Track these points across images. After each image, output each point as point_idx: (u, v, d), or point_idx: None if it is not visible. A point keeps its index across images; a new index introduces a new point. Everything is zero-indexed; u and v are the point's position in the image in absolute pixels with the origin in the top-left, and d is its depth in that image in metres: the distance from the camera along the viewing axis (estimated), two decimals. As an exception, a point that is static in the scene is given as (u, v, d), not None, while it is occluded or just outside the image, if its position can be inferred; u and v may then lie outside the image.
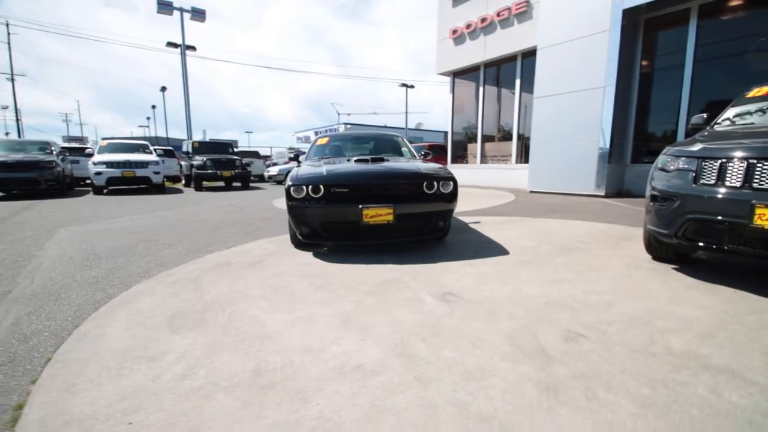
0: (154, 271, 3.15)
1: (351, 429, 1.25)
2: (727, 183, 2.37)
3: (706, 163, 2.50)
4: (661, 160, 2.90)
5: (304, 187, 3.36)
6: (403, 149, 4.95)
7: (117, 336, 1.95)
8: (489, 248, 3.73)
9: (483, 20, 10.02)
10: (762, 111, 3.24)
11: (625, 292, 2.52)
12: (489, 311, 2.23)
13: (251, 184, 13.56)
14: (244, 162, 12.49)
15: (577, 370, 1.60)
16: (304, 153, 6.18)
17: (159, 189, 11.05)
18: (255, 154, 18.79)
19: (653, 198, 2.82)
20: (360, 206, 3.23)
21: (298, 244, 3.86)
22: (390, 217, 3.28)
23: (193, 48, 22.23)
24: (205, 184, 12.22)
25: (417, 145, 10.98)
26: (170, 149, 15.65)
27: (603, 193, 7.38)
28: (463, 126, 11.85)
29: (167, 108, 38.55)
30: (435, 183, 3.48)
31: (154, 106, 41.30)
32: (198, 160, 11.73)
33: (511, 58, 9.85)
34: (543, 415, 1.33)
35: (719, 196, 2.37)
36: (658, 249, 3.06)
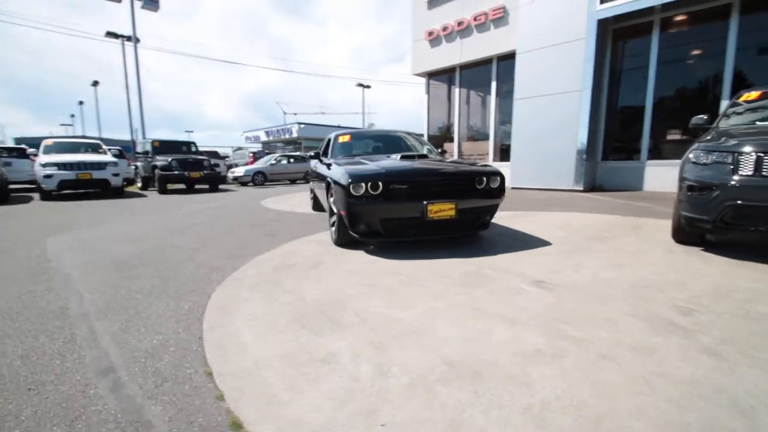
0: (214, 276, 2.93)
1: (597, 405, 1.33)
2: (763, 173, 2.77)
3: (743, 157, 2.89)
4: (693, 154, 3.28)
5: (363, 185, 3.31)
6: (425, 147, 5.04)
7: (260, 343, 1.83)
8: (528, 240, 3.94)
9: (459, 23, 10.41)
10: (754, 110, 3.82)
11: (683, 272, 2.82)
12: (591, 295, 2.39)
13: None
14: (212, 163, 11.73)
15: (717, 337, 1.81)
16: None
17: (117, 193, 10.01)
18: (215, 155, 17.70)
19: (690, 188, 3.19)
20: (425, 202, 3.27)
21: (344, 243, 3.78)
22: (452, 212, 3.36)
23: (137, 39, 20.45)
24: (168, 187, 11.30)
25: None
26: (119, 149, 14.22)
27: (581, 188, 8.06)
28: (438, 126, 12.22)
29: (92, 105, 34.77)
30: (485, 178, 3.62)
31: (81, 102, 37.16)
32: (161, 160, 10.81)
33: (487, 61, 10.35)
34: (732, 375, 1.50)
35: (758, 184, 2.76)
36: (688, 234, 3.46)
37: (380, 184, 3.32)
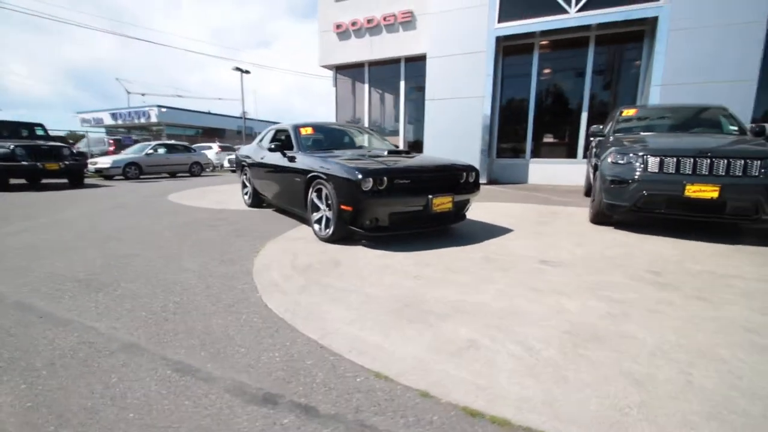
0: (236, 284, 2.61)
1: (688, 343, 1.82)
2: (665, 171, 3.88)
3: (650, 159, 3.97)
4: (611, 157, 4.28)
5: (372, 180, 3.35)
6: (384, 142, 5.21)
7: (394, 342, 1.82)
8: (492, 229, 4.49)
9: (369, 21, 10.67)
10: (638, 120, 5.22)
11: (621, 246, 3.72)
12: (588, 268, 3.01)
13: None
14: (74, 151, 9.37)
15: (694, 288, 2.55)
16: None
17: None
18: (63, 141, 13.95)
19: (612, 182, 4.19)
20: (430, 196, 3.50)
21: (338, 239, 3.73)
22: (450, 205, 3.67)
23: None
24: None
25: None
26: None
27: (486, 182, 9.35)
28: (347, 120, 12.30)
29: None
30: (465, 174, 4.03)
31: None
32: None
33: (395, 61, 10.91)
34: (730, 310, 2.21)
35: (662, 179, 3.86)
36: (606, 216, 4.53)
37: (387, 179, 3.41)
